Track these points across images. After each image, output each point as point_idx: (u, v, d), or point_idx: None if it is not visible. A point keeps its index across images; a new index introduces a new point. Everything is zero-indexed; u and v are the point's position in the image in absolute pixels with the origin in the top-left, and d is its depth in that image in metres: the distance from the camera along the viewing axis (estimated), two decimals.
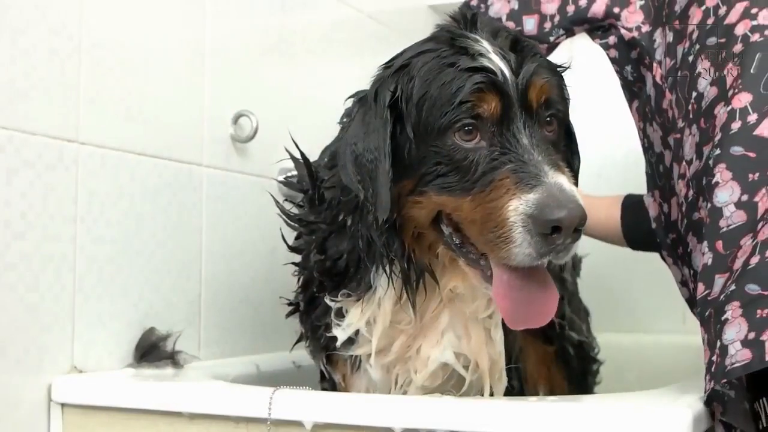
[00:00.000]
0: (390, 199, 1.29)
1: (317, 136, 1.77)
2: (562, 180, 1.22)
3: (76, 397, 1.54)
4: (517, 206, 1.20)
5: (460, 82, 1.27)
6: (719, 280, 1.35)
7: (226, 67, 1.96)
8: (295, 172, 2.02)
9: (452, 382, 1.48)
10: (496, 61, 1.28)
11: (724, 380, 1.28)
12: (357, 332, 1.47)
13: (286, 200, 1.64)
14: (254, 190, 2.03)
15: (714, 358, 1.30)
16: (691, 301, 1.75)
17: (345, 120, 1.55)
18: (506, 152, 1.25)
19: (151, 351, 1.70)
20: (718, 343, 1.29)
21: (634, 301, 2.68)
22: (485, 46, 1.30)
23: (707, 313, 1.34)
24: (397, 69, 1.35)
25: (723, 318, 1.29)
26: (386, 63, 1.40)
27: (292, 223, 1.58)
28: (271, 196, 1.70)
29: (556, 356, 1.98)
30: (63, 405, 1.54)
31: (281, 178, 2.08)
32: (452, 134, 1.27)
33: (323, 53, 2.29)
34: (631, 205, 1.88)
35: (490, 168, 1.25)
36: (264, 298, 2.03)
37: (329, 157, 1.53)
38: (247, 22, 2.04)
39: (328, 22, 2.32)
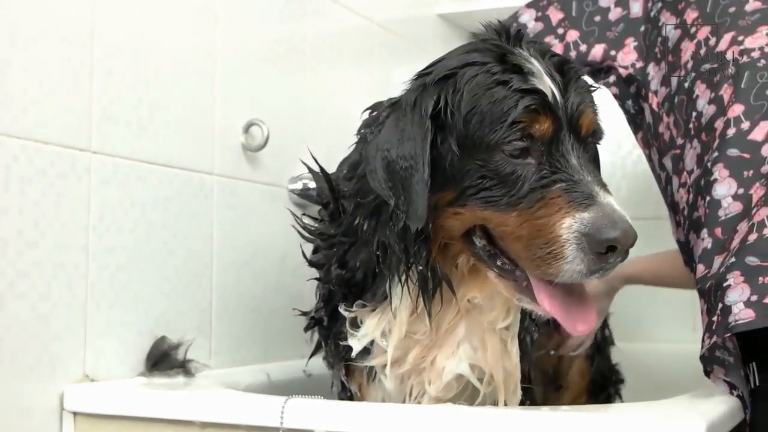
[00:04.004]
0: (426, 208, 1.29)
1: (328, 144, 1.78)
2: (613, 200, 1.24)
3: (87, 405, 1.54)
4: (571, 224, 1.22)
5: (512, 102, 1.27)
6: (718, 260, 1.50)
7: (237, 76, 1.97)
8: (306, 181, 2.04)
9: (466, 394, 1.48)
10: (547, 82, 1.29)
11: (728, 335, 1.42)
12: (372, 342, 1.46)
13: (304, 214, 1.63)
14: (265, 198, 2.03)
15: (714, 318, 1.45)
16: None
17: (363, 131, 1.54)
18: (556, 171, 1.26)
19: (163, 360, 1.70)
20: (720, 305, 1.43)
21: (643, 310, 2.68)
22: (536, 66, 1.30)
23: (707, 285, 1.49)
24: (440, 78, 1.33)
25: (725, 285, 1.43)
26: (423, 71, 1.38)
27: (313, 238, 1.57)
28: (290, 212, 1.69)
29: (591, 375, 2.03)
30: (75, 413, 1.54)
31: (292, 186, 2.09)
32: (501, 151, 1.28)
33: (333, 62, 2.30)
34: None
35: (539, 185, 1.26)
36: (275, 306, 2.03)
37: (348, 168, 1.52)
38: (257, 31, 2.04)
39: (338, 30, 2.32)
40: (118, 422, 1.52)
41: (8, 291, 1.46)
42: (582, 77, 1.37)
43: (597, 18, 1.91)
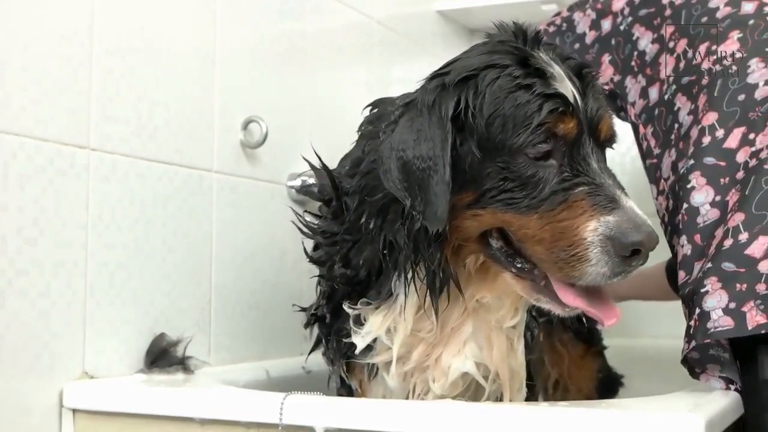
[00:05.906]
0: (447, 210, 1.29)
1: (327, 141, 1.78)
2: (634, 204, 1.26)
3: (87, 402, 1.55)
4: (596, 227, 1.23)
5: (535, 106, 1.27)
6: (697, 266, 1.52)
7: (236, 73, 1.97)
8: (305, 178, 2.04)
9: (470, 392, 1.48)
10: (569, 86, 1.30)
11: (707, 340, 1.44)
12: (375, 340, 1.46)
13: (306, 211, 1.63)
14: (264, 195, 2.03)
15: (692, 323, 1.47)
16: None
17: (365, 128, 1.54)
18: (578, 174, 1.27)
19: (162, 357, 1.70)
20: (697, 310, 1.45)
21: (642, 306, 2.67)
22: (557, 70, 1.31)
23: (687, 291, 1.51)
24: (460, 80, 1.32)
25: (702, 290, 1.45)
26: (440, 71, 1.36)
27: (316, 236, 1.56)
28: (292, 209, 1.69)
29: (594, 356, 2.03)
30: (74, 411, 1.55)
31: (291, 183, 2.09)
32: (523, 153, 1.28)
33: (332, 59, 2.30)
34: (672, 266, 2.09)
35: (561, 188, 1.27)
36: (274, 303, 2.04)
37: (350, 165, 1.51)
38: (256, 28, 2.04)
39: (337, 27, 2.32)
40: (118, 419, 1.52)
41: (8, 288, 1.46)
42: (598, 82, 1.38)
43: (576, 45, 1.95)
